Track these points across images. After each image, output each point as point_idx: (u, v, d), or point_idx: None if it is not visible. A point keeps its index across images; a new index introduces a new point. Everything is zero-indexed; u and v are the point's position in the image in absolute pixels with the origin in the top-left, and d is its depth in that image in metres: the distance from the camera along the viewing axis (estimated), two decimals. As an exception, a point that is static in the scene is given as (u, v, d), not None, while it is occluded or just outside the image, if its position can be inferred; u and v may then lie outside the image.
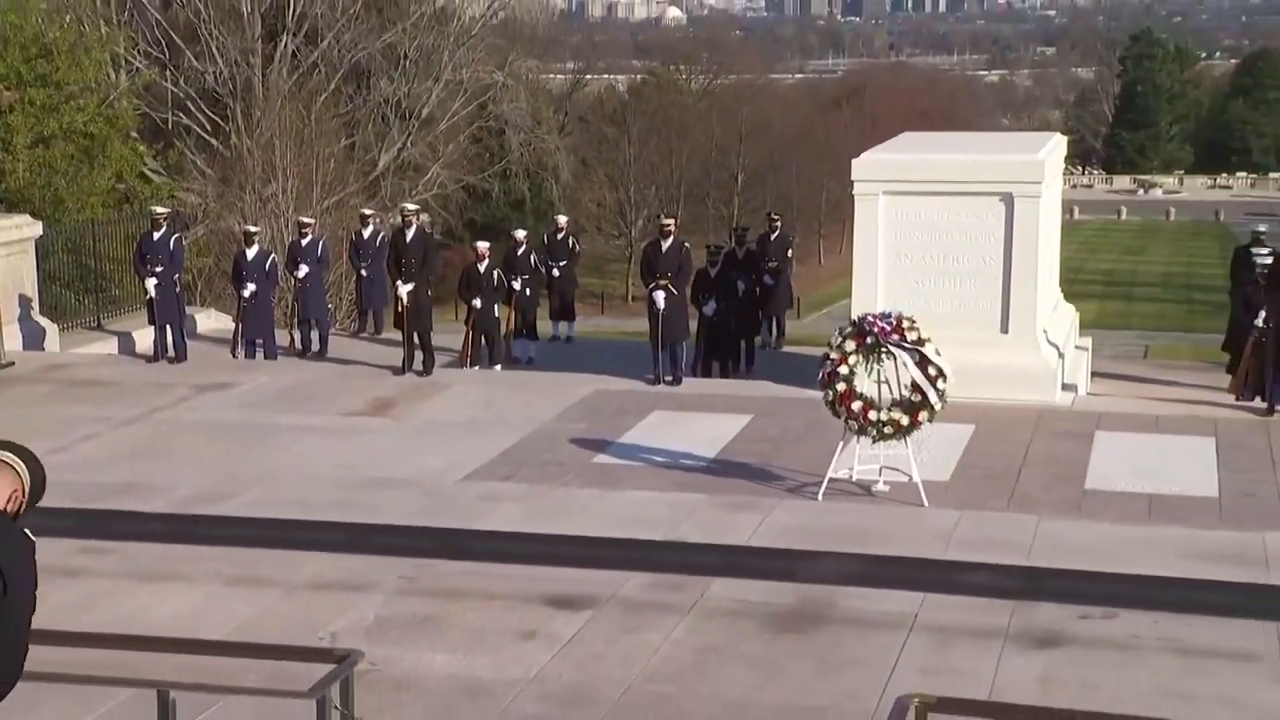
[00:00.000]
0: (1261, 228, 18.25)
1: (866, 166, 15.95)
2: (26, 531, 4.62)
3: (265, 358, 18.42)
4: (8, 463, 4.66)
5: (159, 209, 19.20)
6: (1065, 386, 15.49)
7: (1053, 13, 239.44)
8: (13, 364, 17.38)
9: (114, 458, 13.48)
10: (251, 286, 18.30)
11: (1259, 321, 15.05)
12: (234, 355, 18.38)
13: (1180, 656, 8.68)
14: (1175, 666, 8.54)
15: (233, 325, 19.08)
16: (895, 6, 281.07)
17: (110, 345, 19.49)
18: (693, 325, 17.69)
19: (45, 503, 11.90)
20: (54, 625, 8.72)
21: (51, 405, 15.60)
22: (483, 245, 18.85)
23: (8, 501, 4.60)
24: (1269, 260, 15.67)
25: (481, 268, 18.08)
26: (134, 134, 32.36)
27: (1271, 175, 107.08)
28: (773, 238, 20.33)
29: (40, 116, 27.11)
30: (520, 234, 20.38)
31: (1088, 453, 13.25)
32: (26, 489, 4.67)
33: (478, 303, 17.88)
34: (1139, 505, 11.77)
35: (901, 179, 15.75)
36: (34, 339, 18.75)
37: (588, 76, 77.34)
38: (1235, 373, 15.79)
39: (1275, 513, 11.55)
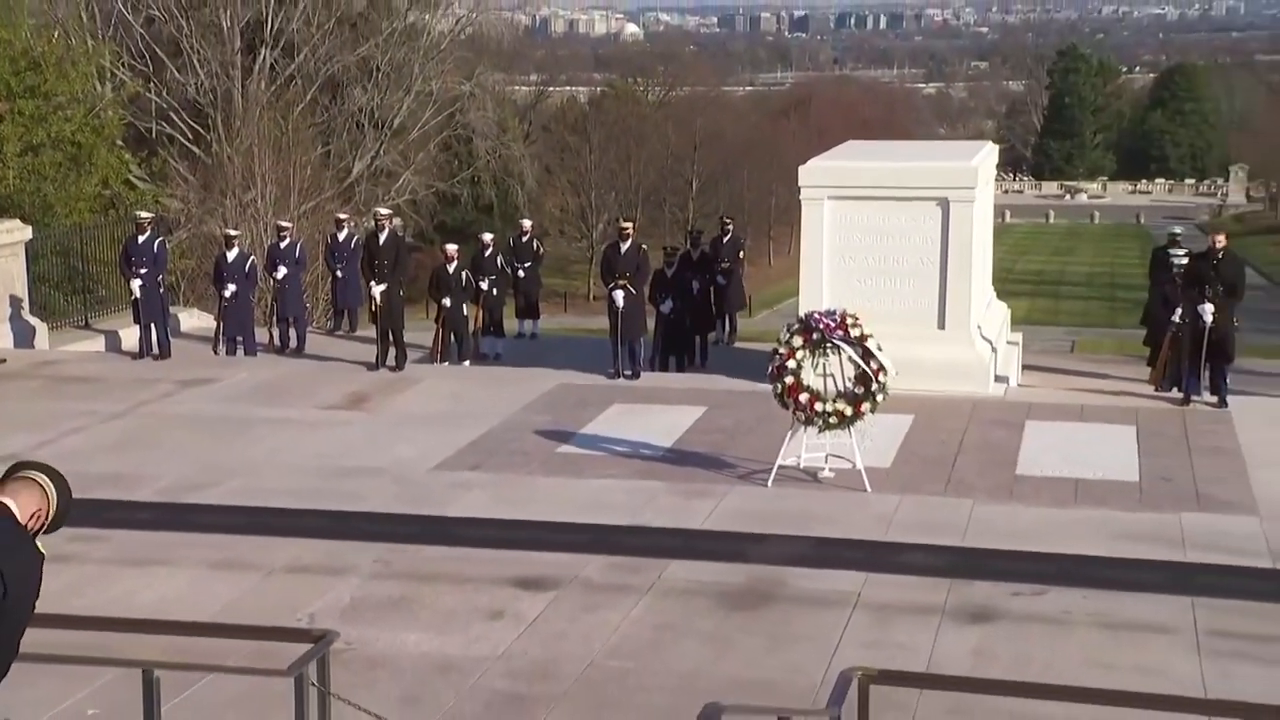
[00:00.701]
0: (1177, 230, 18.47)
1: (812, 173, 16.01)
2: (39, 544, 4.58)
3: (245, 354, 18.34)
4: (37, 482, 4.63)
5: (143, 214, 19.11)
6: (998, 379, 15.58)
7: (985, 30, 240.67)
8: (4, 361, 17.24)
9: (101, 449, 13.38)
10: (232, 287, 18.23)
11: (1176, 317, 15.18)
12: (215, 352, 18.29)
13: (1105, 630, 8.76)
14: (1101, 639, 8.61)
15: (214, 324, 18.99)
16: (839, 24, 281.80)
17: (97, 343, 19.36)
18: (650, 323, 17.73)
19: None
20: (45, 609, 8.63)
21: (41, 400, 15.47)
22: (451, 247, 18.86)
23: (31, 518, 4.57)
24: (1184, 260, 15.80)
25: (450, 269, 18.07)
26: (119, 142, 32.13)
27: (1187, 181, 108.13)
28: (725, 240, 20.38)
29: (29, 126, 27.01)
30: (487, 237, 20.38)
31: (1018, 440, 13.34)
32: (51, 510, 4.64)
33: (447, 302, 17.88)
34: (1066, 489, 11.86)
35: (845, 185, 15.80)
36: (24, 337, 18.63)
37: (550, 88, 77.31)
38: (1154, 365, 15.93)
39: (1190, 496, 11.67)
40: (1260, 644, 8.54)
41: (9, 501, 4.54)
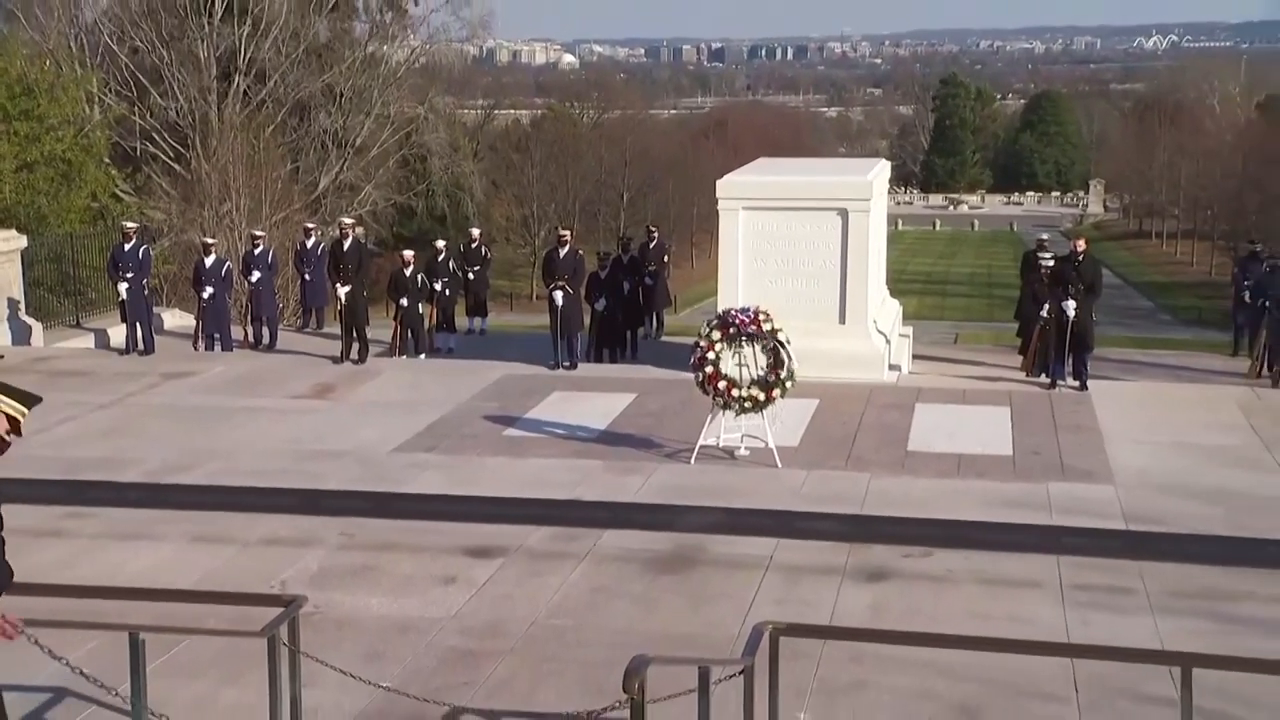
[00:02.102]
0: (1045, 237, 18.69)
1: (729, 186, 16.05)
2: None
3: (222, 350, 18.15)
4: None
5: (129, 224, 19.05)
6: (891, 367, 15.71)
7: (879, 61, 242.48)
8: (2, 357, 17.01)
9: (92, 436, 13.18)
10: (210, 289, 18.13)
11: (1044, 312, 15.38)
12: (195, 348, 18.11)
13: (983, 585, 8.86)
14: (979, 593, 8.71)
15: (194, 322, 18.80)
16: (752, 55, 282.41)
17: (88, 340, 19.14)
18: (586, 319, 17.71)
19: (34, 475, 11.69)
20: (42, 579, 8.51)
21: (37, 392, 15.17)
22: (408, 253, 18.81)
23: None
24: (1051, 263, 16.03)
25: (407, 272, 17.97)
26: (107, 160, 31.80)
27: (1053, 194, 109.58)
28: (652, 246, 20.38)
29: (24, 145, 26.75)
30: (440, 244, 20.27)
31: (909, 421, 13.46)
32: (10, 414, 4.57)
33: (404, 302, 17.79)
34: (950, 463, 11.98)
35: (757, 197, 15.87)
36: (21, 335, 18.42)
37: (496, 111, 76.81)
38: (1025, 354, 16.14)
39: (1056, 467, 11.84)
40: (1114, 595, 8.69)
41: None
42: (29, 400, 4.64)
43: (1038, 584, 8.86)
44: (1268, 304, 16.33)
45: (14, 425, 4.58)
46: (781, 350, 11.71)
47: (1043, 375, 15.33)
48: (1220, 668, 6.39)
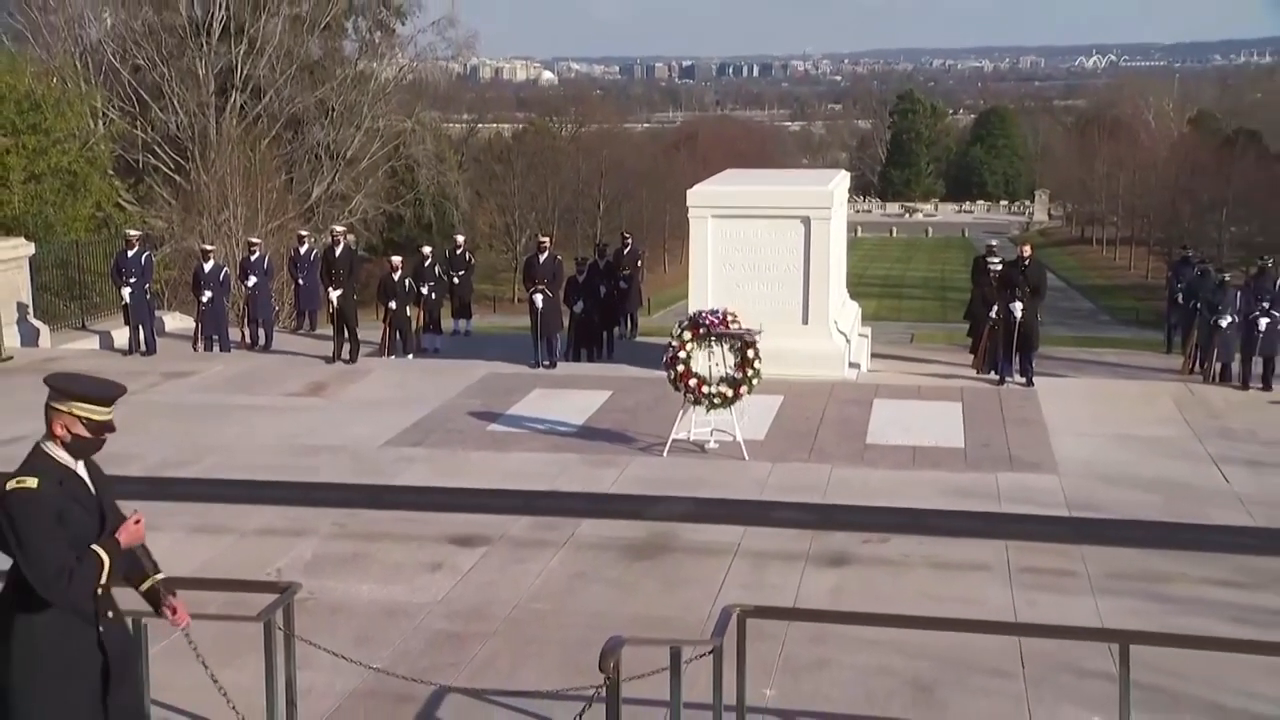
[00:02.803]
0: (994, 243, 18.79)
1: (699, 196, 16.06)
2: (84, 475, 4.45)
3: (221, 350, 18.06)
4: (47, 406, 4.47)
5: (132, 232, 18.94)
6: (851, 365, 15.75)
7: (839, 78, 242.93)
8: (11, 358, 16.90)
9: (96, 433, 13.07)
10: (209, 293, 18.04)
11: (992, 313, 15.46)
12: (195, 349, 18.01)
13: (936, 569, 8.89)
14: (932, 576, 8.75)
15: (194, 325, 18.69)
16: (720, 72, 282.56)
17: (93, 342, 19.00)
18: (565, 320, 17.69)
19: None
20: (47, 569, 8.45)
21: (45, 392, 15.04)
22: (396, 259, 18.71)
23: (62, 431, 4.43)
24: (999, 267, 16.12)
25: (396, 276, 17.90)
26: (110, 171, 31.63)
27: (1001, 203, 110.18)
28: (626, 251, 20.41)
29: (32, 157, 26.60)
30: (427, 249, 20.21)
31: (868, 415, 13.50)
32: (76, 416, 4.46)
33: (393, 304, 17.74)
34: (906, 455, 12.03)
35: (725, 205, 15.88)
36: (29, 337, 18.29)
37: (480, 125, 76.65)
38: (976, 353, 16.22)
39: (1004, 458, 11.90)
40: (1058, 577, 8.74)
41: (23, 481, 4.33)
42: (101, 398, 4.55)
43: (987, 567, 8.91)
44: (1199, 305, 16.47)
45: (98, 426, 4.53)
46: (749, 350, 11.75)
47: (992, 372, 15.41)
48: (1156, 644, 6.45)
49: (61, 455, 4.49)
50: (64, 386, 4.49)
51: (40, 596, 4.28)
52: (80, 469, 4.56)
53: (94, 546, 4.36)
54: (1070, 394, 14.70)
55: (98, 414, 4.49)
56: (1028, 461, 11.74)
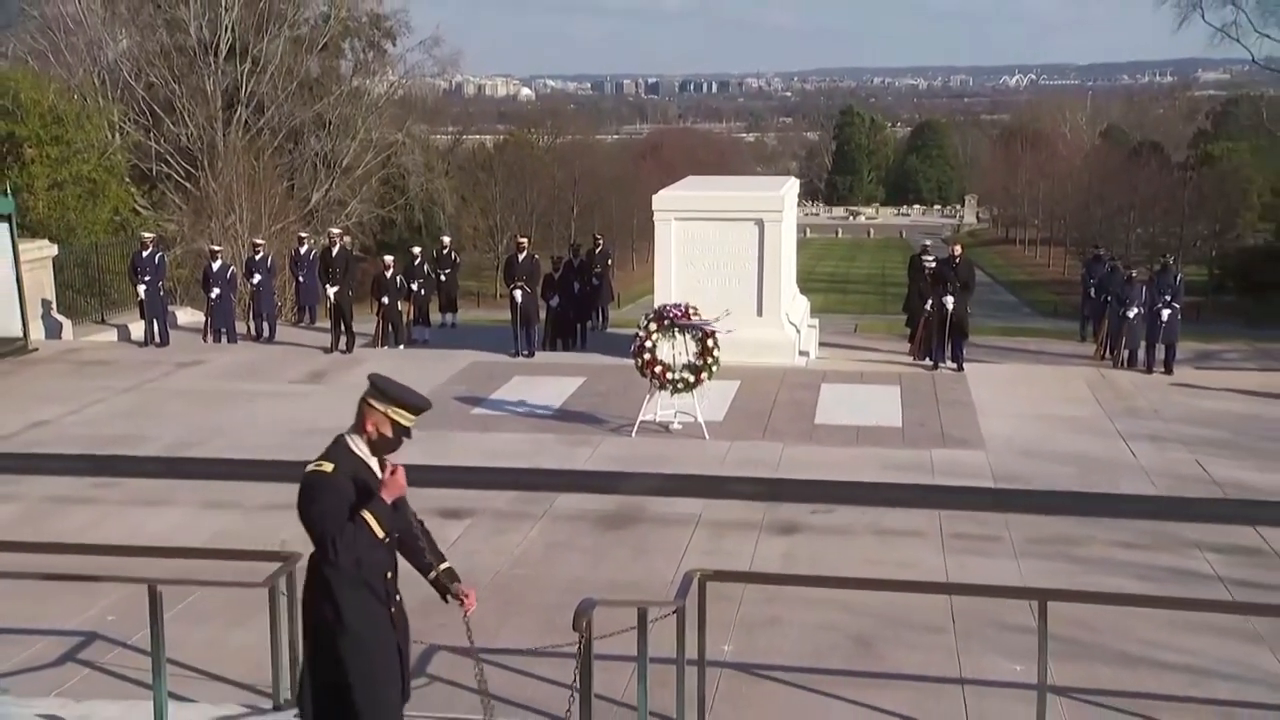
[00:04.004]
0: (928, 243, 18.89)
1: (663, 200, 16.05)
2: (373, 468, 4.42)
3: (228, 342, 17.88)
4: (360, 401, 4.46)
5: (147, 234, 18.76)
6: (801, 353, 15.81)
7: (789, 94, 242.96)
8: (37, 349, 16.73)
9: (116, 416, 12.95)
10: (217, 290, 17.84)
11: (927, 306, 15.56)
12: (204, 340, 17.82)
13: (877, 536, 8.95)
14: (874, 543, 8.80)
15: (203, 319, 18.49)
16: (682, 88, 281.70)
17: (111, 334, 18.75)
18: (542, 314, 17.64)
19: (67, 449, 11.48)
20: (73, 538, 8.39)
21: (68, 379, 14.91)
22: (389, 258, 18.62)
23: (371, 428, 4.41)
24: (933, 265, 16.21)
25: (388, 274, 17.78)
26: (127, 179, 31.19)
27: (935, 207, 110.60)
28: (598, 251, 20.34)
29: (55, 167, 26.30)
30: (416, 250, 20.11)
31: (816, 398, 13.56)
32: (388, 413, 4.42)
33: (386, 300, 17.61)
34: (850, 434, 12.09)
35: (687, 209, 15.88)
36: (53, 330, 18.05)
37: (464, 136, 76.12)
38: (913, 341, 16.31)
39: (938, 436, 11.99)
40: (985, 542, 8.82)
41: (320, 465, 4.36)
42: (415, 409, 4.51)
43: (922, 534, 8.97)
44: (1109, 298, 16.63)
45: (402, 431, 4.49)
46: (712, 338, 11.77)
47: (927, 359, 15.51)
48: (1071, 600, 6.53)
49: (362, 449, 4.50)
50: (387, 389, 4.47)
51: (339, 576, 4.31)
52: (374, 464, 4.52)
53: (361, 512, 4.32)
54: (996, 378, 14.82)
55: (406, 419, 4.48)
56: (958, 439, 11.83)
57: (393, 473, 4.48)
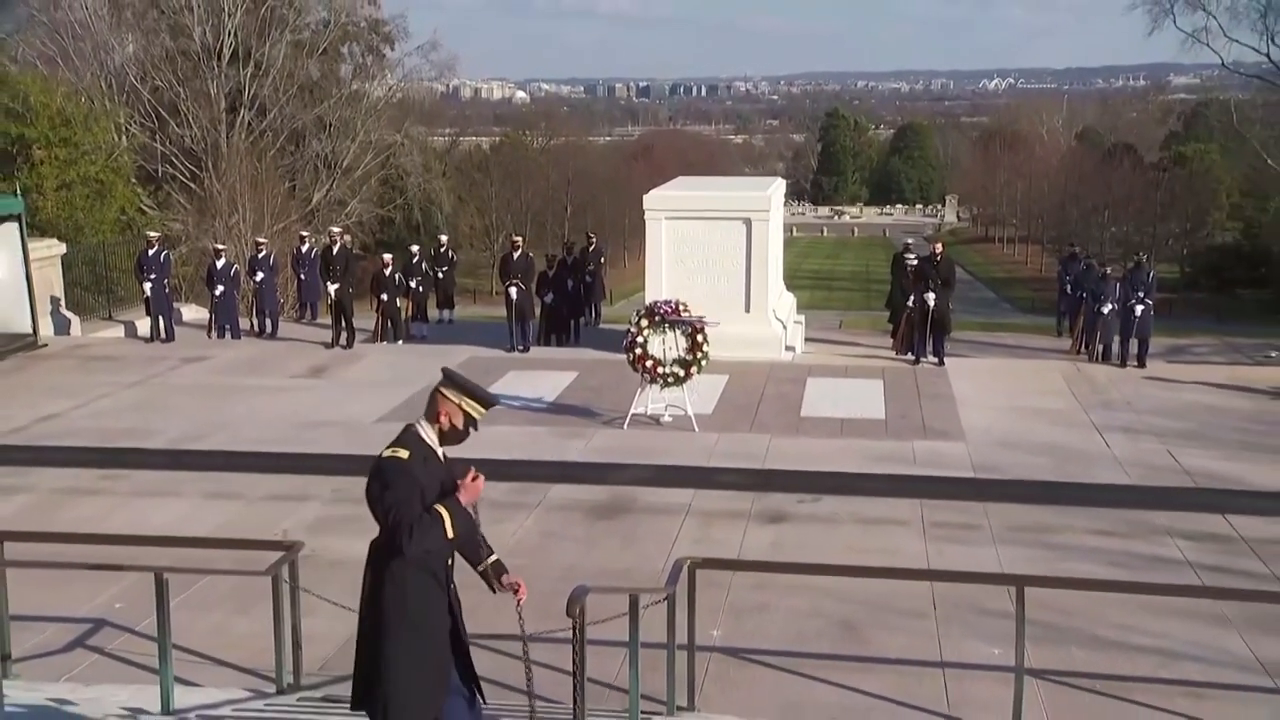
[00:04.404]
0: (910, 241, 18.89)
1: (654, 200, 16.04)
2: (440, 454, 4.43)
3: (232, 338, 17.82)
4: (433, 393, 4.46)
5: (152, 233, 18.76)
6: (787, 348, 15.83)
7: (776, 97, 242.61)
8: (46, 345, 16.66)
9: (123, 410, 12.91)
10: (221, 288, 17.79)
11: (909, 302, 15.57)
12: (209, 336, 17.75)
13: (861, 524, 8.97)
14: (858, 531, 8.83)
15: (208, 315, 18.44)
16: (673, 91, 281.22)
17: (118, 331, 18.70)
18: (536, 310, 17.62)
19: (76, 442, 11.45)
20: (82, 528, 8.36)
21: (76, 374, 14.86)
22: (388, 256, 18.54)
23: (442, 418, 4.42)
24: (915, 263, 16.22)
25: (387, 272, 17.71)
26: (133, 180, 31.10)
27: (917, 206, 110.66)
28: (590, 250, 20.29)
29: (63, 168, 26.25)
30: (414, 248, 20.02)
31: (802, 392, 13.58)
32: (461, 406, 4.43)
33: (385, 296, 17.54)
34: (835, 426, 12.11)
35: (678, 208, 15.87)
36: (62, 327, 18.00)
37: (461, 138, 75.94)
38: (895, 336, 16.33)
39: (920, 428, 12.01)
40: (964, 530, 8.85)
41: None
42: (485, 403, 4.53)
43: (904, 522, 8.99)
44: (1084, 295, 16.67)
45: (471, 422, 4.48)
46: (698, 334, 11.77)
47: (909, 354, 15.53)
48: (1047, 586, 6.54)
49: (431, 438, 4.48)
50: (461, 382, 4.49)
51: (403, 561, 4.29)
52: (441, 454, 4.52)
53: (435, 505, 4.33)
54: (976, 372, 14.84)
55: (477, 412, 4.49)
56: (939, 430, 11.86)
57: (474, 478, 4.50)
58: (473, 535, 4.60)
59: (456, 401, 4.46)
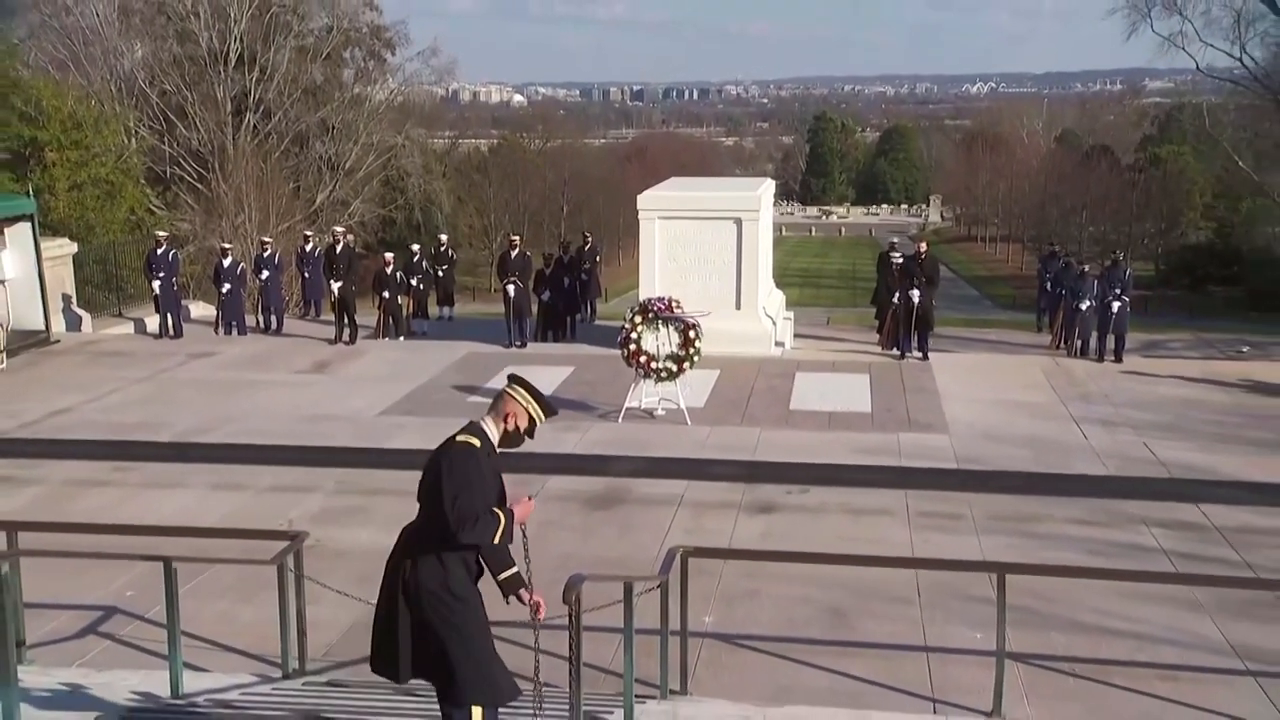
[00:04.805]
0: (895, 240, 18.88)
1: (647, 200, 16.03)
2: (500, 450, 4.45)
3: (238, 334, 17.79)
4: (504, 392, 4.46)
5: (161, 233, 18.75)
6: (777, 344, 15.83)
7: (765, 100, 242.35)
8: (59, 341, 16.59)
9: (133, 404, 12.87)
10: (227, 285, 17.78)
11: (895, 300, 15.59)
12: (216, 333, 17.73)
13: (849, 515, 8.98)
14: (845, 521, 8.83)
15: (215, 312, 18.41)
16: (665, 95, 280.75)
17: (128, 327, 18.65)
18: (534, 307, 17.60)
19: (88, 435, 11.47)
20: (94, 519, 8.35)
21: (88, 369, 14.81)
22: (389, 255, 18.55)
23: (508, 419, 4.42)
24: (900, 261, 16.23)
25: (389, 270, 17.70)
26: (142, 181, 31.06)
27: (902, 206, 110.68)
28: (586, 249, 20.30)
29: (75, 169, 26.22)
30: (415, 247, 20.01)
31: (791, 386, 13.59)
32: (527, 409, 4.45)
33: (386, 294, 17.54)
34: (823, 419, 12.12)
35: (670, 208, 15.86)
36: (73, 323, 17.95)
37: (460, 140, 75.75)
38: (881, 332, 16.34)
39: (905, 421, 12.03)
40: (948, 520, 8.86)
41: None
42: (548, 411, 4.58)
43: (890, 512, 9.00)
44: (1063, 292, 16.71)
45: (531, 426, 4.48)
46: (690, 330, 11.77)
47: (894, 349, 15.55)
48: (1027, 573, 6.56)
49: (494, 436, 4.51)
50: (531, 387, 4.54)
51: (448, 549, 4.33)
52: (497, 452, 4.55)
53: (495, 508, 4.39)
54: (959, 367, 14.87)
55: (539, 418, 4.54)
56: (924, 423, 11.87)
57: (530, 499, 4.64)
58: (505, 549, 4.60)
59: (525, 404, 4.49)
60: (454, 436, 4.49)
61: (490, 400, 4.66)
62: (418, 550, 4.44)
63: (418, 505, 4.57)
